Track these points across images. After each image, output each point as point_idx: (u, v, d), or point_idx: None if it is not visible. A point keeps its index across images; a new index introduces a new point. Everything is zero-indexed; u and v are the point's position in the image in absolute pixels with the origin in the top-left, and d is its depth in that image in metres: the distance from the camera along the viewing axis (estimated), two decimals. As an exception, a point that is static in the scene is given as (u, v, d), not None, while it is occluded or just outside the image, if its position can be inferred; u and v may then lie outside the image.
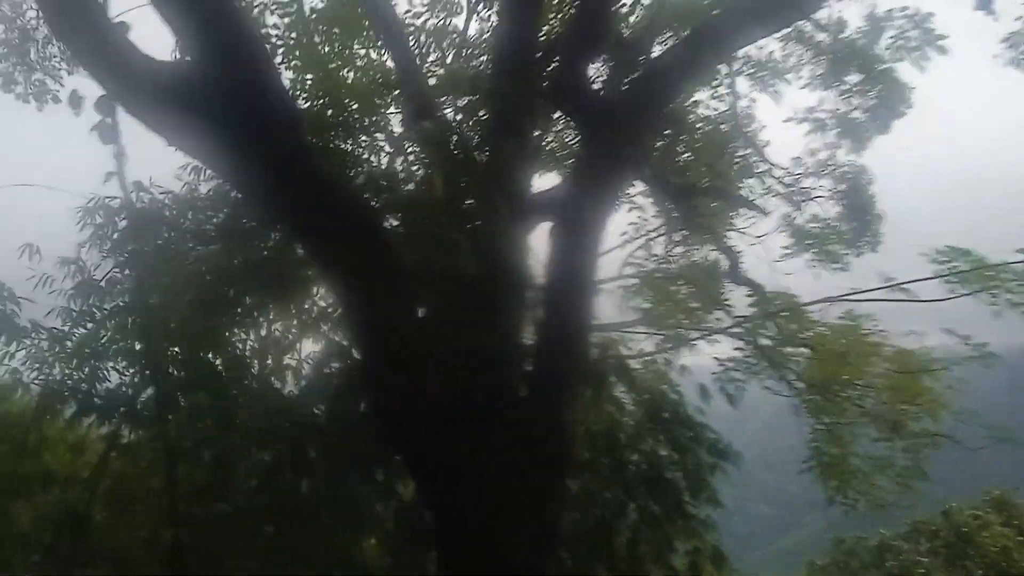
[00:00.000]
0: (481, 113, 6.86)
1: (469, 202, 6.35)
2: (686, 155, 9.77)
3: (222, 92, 4.63)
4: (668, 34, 8.03)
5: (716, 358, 9.56)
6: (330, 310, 7.36)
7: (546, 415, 5.44)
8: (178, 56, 5.68)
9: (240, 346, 7.57)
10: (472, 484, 5.33)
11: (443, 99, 7.61)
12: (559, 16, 7.55)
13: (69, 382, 7.82)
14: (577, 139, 6.55)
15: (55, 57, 10.98)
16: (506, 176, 6.35)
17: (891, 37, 8.98)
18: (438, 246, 5.50)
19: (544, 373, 5.54)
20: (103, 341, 7.92)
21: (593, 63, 5.73)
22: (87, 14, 4.46)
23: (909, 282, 8.74)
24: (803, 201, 11.63)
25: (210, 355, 7.29)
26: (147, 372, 7.70)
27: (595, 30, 5.63)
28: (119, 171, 7.26)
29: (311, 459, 5.71)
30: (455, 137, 6.34)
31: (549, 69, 6.47)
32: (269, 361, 7.60)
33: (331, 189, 5.21)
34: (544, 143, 7.23)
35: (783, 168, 11.89)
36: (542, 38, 7.18)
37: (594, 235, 5.62)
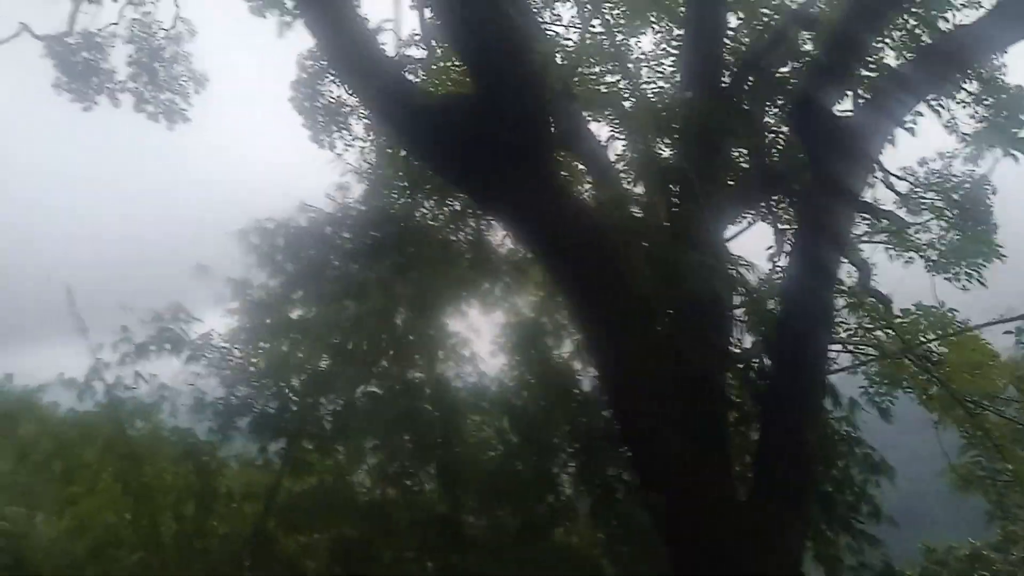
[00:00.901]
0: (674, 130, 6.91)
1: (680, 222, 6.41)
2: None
3: (500, 124, 4.72)
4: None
5: (863, 373, 9.55)
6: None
7: (787, 440, 5.48)
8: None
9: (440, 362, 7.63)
10: (714, 506, 5.36)
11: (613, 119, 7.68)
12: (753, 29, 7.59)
13: (246, 400, 7.93)
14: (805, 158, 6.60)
15: (183, 76, 11.16)
16: (709, 194, 6.41)
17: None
18: (677, 268, 5.55)
19: (784, 396, 5.57)
20: (279, 359, 8.03)
21: (839, 91, 5.78)
22: (377, 61, 4.57)
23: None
24: (922, 211, 11.58)
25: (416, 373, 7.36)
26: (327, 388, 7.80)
27: (845, 62, 5.68)
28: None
29: (552, 475, 5.78)
30: (664, 159, 6.40)
31: (750, 85, 6.53)
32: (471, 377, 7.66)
33: (581, 218, 5.28)
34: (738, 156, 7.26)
35: (899, 176, 11.85)
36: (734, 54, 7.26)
37: (833, 262, 5.66)
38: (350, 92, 5.00)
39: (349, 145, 12.44)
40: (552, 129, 5.07)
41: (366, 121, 12.51)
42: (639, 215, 6.12)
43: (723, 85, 6.89)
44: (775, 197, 9.12)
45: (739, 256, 6.30)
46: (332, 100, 12.30)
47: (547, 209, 4.97)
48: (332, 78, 12.10)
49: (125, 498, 8.81)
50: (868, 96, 6.12)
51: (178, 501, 7.99)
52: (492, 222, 9.48)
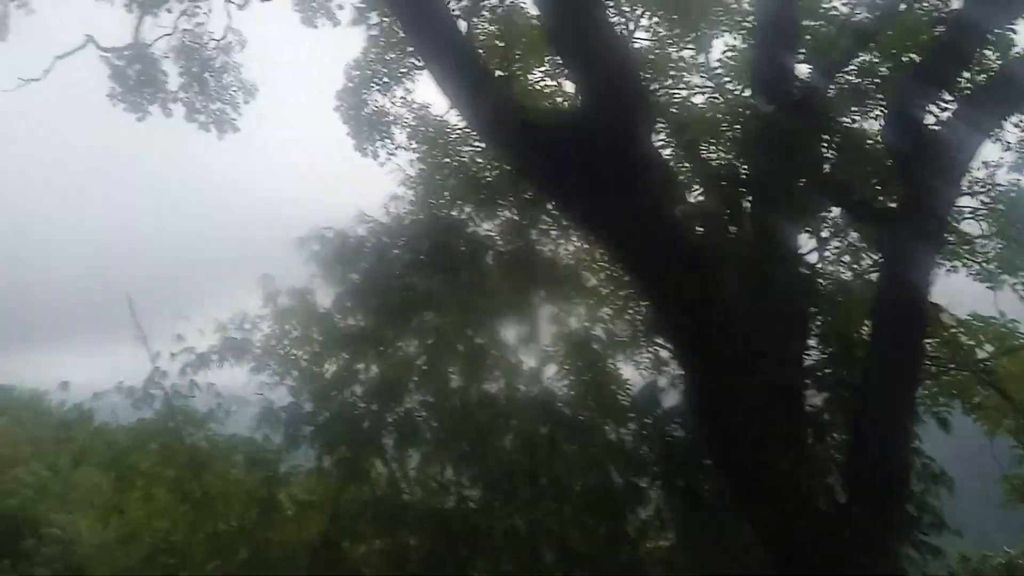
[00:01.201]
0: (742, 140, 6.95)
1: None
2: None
3: (602, 140, 4.77)
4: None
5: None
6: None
7: (881, 453, 5.51)
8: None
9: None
10: (808, 515, 5.38)
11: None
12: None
13: (313, 410, 7.99)
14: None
15: (233, 87, 11.24)
16: (788, 205, 6.45)
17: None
18: (764, 280, 5.59)
19: (878, 410, 5.60)
20: (342, 369, 8.08)
21: (935, 103, 5.84)
22: (486, 80, 4.64)
23: None
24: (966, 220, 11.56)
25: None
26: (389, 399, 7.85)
27: (946, 74, 5.74)
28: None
29: (640, 488, 5.83)
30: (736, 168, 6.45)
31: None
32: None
33: (678, 233, 5.32)
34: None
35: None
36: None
37: (925, 277, 5.71)
38: (457, 111, 5.14)
39: (391, 154, 12.52)
40: (652, 152, 5.12)
41: (408, 130, 12.62)
42: (726, 227, 6.16)
43: (795, 96, 6.92)
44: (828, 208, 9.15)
45: (821, 267, 6.35)
46: (376, 109, 12.38)
47: (647, 224, 5.01)
48: (377, 87, 12.22)
49: (181, 506, 8.86)
50: (956, 113, 6.15)
51: (243, 510, 8.02)
52: (547, 232, 9.55)
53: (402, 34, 5.15)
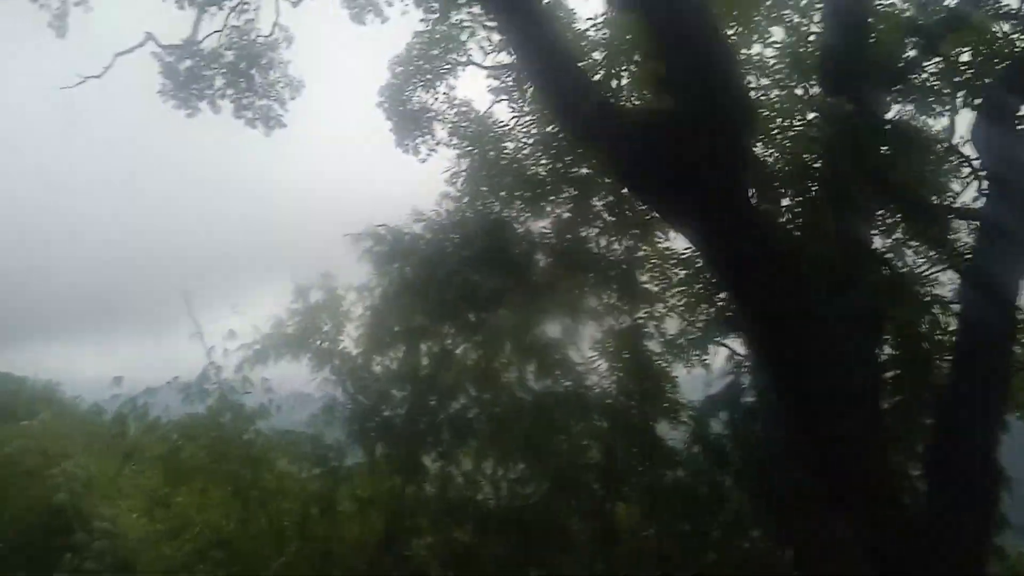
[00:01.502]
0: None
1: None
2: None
3: (700, 138, 4.75)
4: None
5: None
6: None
7: (972, 453, 5.49)
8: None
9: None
10: (900, 514, 5.37)
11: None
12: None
13: (374, 407, 8.02)
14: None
15: (279, 83, 11.23)
16: (865, 204, 6.41)
17: None
18: (847, 281, 5.56)
19: (968, 410, 5.58)
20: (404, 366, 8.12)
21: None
22: (585, 85, 4.63)
23: None
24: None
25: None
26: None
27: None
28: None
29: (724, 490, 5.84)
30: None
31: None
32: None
33: (769, 233, 5.30)
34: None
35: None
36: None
37: (1014, 275, 5.68)
38: (555, 115, 5.24)
39: (432, 151, 12.46)
40: (748, 141, 5.10)
41: (451, 126, 12.56)
42: (811, 227, 6.14)
43: (866, 94, 6.85)
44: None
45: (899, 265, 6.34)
46: (418, 105, 12.32)
47: (739, 222, 5.00)
48: (420, 83, 12.17)
49: (233, 501, 8.90)
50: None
51: (299, 506, 8.07)
52: (599, 229, 9.51)
53: (502, 34, 5.17)
